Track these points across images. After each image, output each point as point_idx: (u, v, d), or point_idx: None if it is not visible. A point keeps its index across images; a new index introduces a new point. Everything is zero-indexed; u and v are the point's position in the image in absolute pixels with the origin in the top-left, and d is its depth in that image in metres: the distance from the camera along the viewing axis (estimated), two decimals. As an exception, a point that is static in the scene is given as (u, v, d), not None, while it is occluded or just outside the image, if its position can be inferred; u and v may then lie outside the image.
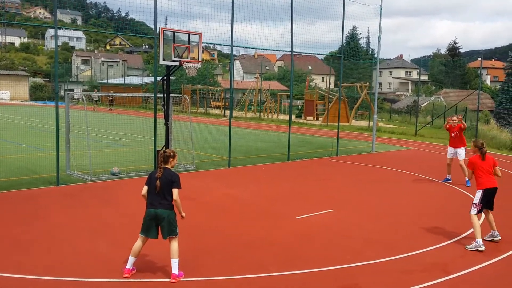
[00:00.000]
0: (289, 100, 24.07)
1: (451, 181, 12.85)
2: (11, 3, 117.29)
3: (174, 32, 11.96)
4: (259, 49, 16.70)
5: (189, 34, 12.19)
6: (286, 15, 15.54)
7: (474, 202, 7.54)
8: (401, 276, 6.18)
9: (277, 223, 8.51)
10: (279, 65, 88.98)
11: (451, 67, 71.60)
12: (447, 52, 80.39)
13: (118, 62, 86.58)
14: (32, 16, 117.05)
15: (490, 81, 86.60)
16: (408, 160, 17.48)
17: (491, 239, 7.70)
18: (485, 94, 54.53)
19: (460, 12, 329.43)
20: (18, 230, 7.61)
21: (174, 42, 11.88)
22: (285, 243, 7.40)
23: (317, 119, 37.10)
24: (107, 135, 21.56)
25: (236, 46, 14.48)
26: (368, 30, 79.09)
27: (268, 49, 18.75)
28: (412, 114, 40.73)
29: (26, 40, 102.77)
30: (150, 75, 64.90)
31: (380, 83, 78.37)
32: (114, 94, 26.92)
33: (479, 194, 7.56)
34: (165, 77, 12.47)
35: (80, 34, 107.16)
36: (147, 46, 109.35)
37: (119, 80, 63.90)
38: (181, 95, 19.05)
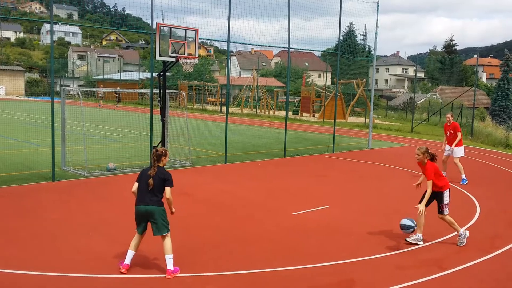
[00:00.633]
0: (285, 97, 24.09)
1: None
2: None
3: (170, 28, 11.92)
4: (256, 45, 16.68)
5: (185, 30, 12.16)
6: (283, 11, 15.52)
7: (445, 203, 7.43)
8: (397, 272, 6.21)
9: (273, 219, 8.52)
10: (276, 61, 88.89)
11: (447, 64, 71.75)
12: (443, 49, 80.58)
13: (115, 57, 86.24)
14: (28, 11, 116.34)
15: (486, 78, 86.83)
16: (404, 156, 17.52)
17: (415, 242, 7.33)
18: (481, 92, 54.71)
19: (456, 9, 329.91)
20: (13, 225, 7.59)
21: (170, 38, 11.84)
22: (281, 239, 7.41)
23: (314, 115, 37.11)
24: (103, 130, 21.50)
25: (233, 42, 14.46)
26: (365, 27, 78.98)
27: (265, 45, 18.72)
28: (408, 111, 40.82)
29: (21, 35, 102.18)
30: (147, 70, 64.66)
31: (376, 80, 78.52)
32: (111, 90, 26.82)
33: (447, 193, 7.47)
34: (161, 73, 12.44)
35: (76, 29, 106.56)
36: (143, 42, 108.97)
37: (116, 76, 63.68)
38: (177, 91, 19.01)
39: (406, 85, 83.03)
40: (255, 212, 9.02)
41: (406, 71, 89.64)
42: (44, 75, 67.10)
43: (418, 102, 46.36)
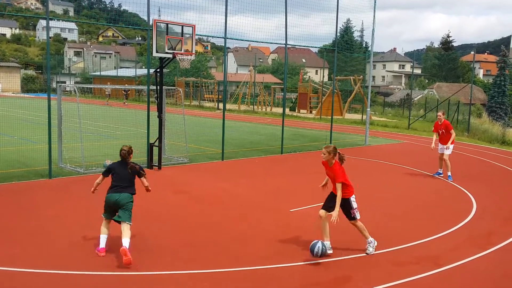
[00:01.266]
0: (282, 93, 24.05)
1: (442, 174, 12.79)
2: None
3: (167, 24, 11.88)
4: (253, 41, 16.66)
5: (182, 26, 12.12)
6: (280, 8, 15.50)
7: (354, 207, 6.73)
8: (393, 269, 6.23)
9: (270, 216, 8.53)
10: (273, 57, 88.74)
11: (444, 61, 71.83)
12: (440, 46, 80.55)
13: (111, 54, 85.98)
14: (23, 7, 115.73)
15: (483, 75, 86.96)
16: (401, 153, 17.56)
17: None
18: (477, 88, 54.82)
19: (453, 5, 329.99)
20: (9, 223, 7.57)
21: (167, 34, 11.81)
22: (278, 236, 7.42)
23: (311, 112, 37.12)
24: (100, 127, 21.45)
25: (230, 39, 14.43)
26: (362, 23, 79.20)
27: (262, 42, 18.71)
28: (405, 107, 40.88)
29: (17, 31, 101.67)
30: (143, 67, 64.54)
31: (373, 76, 78.50)
32: (109, 86, 26.78)
33: (353, 199, 6.80)
34: (158, 69, 12.40)
35: (72, 25, 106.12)
36: (140, 38, 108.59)
37: (112, 72, 63.49)
38: (174, 87, 18.98)
39: (403, 81, 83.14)
40: (252, 209, 9.02)
41: (403, 68, 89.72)
42: (40, 71, 66.86)
43: (415, 99, 46.43)
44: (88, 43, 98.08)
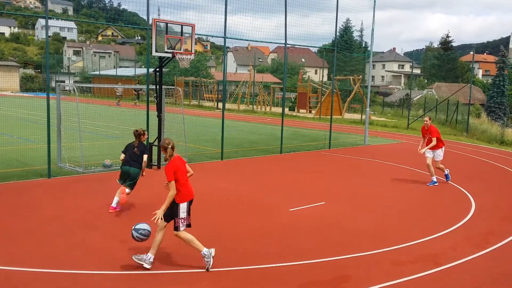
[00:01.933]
0: (282, 93, 24.06)
1: (437, 183, 11.78)
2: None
3: (167, 23, 11.88)
4: (253, 41, 16.66)
5: (182, 26, 12.12)
6: (280, 7, 15.51)
7: (181, 217, 5.94)
8: (393, 268, 6.24)
9: (269, 216, 8.54)
10: (272, 57, 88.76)
11: (443, 61, 71.84)
12: (439, 46, 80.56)
13: (110, 53, 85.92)
14: (22, 6, 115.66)
15: (482, 75, 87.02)
16: (400, 153, 17.58)
17: (141, 262, 5.89)
18: (476, 88, 54.86)
19: (453, 5, 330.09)
20: (9, 222, 7.57)
21: (167, 34, 11.81)
22: (278, 235, 7.43)
23: (310, 112, 37.13)
24: (99, 127, 21.44)
25: (230, 38, 14.43)
26: (362, 23, 79.17)
27: (261, 41, 18.70)
28: (404, 107, 40.91)
29: (16, 30, 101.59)
30: (143, 66, 64.52)
31: (373, 76, 78.54)
32: (108, 86, 26.76)
33: (184, 206, 5.98)
34: (157, 69, 12.40)
35: (72, 24, 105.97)
36: (139, 37, 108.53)
37: (111, 72, 63.46)
38: (174, 87, 18.96)
39: (402, 81, 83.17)
40: (251, 208, 9.03)
41: (403, 68, 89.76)
42: (39, 70, 66.76)
43: (414, 99, 46.45)
44: (88, 42, 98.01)
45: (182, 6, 13.25)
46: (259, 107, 40.88)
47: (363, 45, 68.59)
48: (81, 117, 12.32)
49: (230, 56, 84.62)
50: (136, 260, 5.88)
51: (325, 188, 11.10)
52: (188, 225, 6.08)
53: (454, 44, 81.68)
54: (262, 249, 6.77)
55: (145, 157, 8.64)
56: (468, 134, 25.32)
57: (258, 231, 7.64)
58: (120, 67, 73.38)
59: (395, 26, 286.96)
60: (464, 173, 13.65)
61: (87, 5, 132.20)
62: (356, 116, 34.61)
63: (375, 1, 19.11)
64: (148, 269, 5.80)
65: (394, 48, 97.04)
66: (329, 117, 19.68)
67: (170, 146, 6.19)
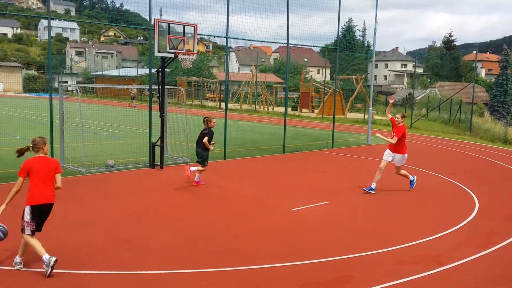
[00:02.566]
0: (284, 93, 24.06)
1: (374, 192, 10.28)
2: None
3: (169, 24, 11.89)
4: (255, 41, 16.68)
5: (184, 26, 12.13)
6: (282, 7, 15.49)
7: (25, 220, 5.77)
8: (395, 268, 6.23)
9: (272, 215, 8.53)
10: (274, 57, 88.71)
11: (446, 60, 71.74)
12: (442, 45, 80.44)
13: (113, 53, 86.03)
14: (25, 7, 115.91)
15: (485, 74, 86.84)
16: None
17: (18, 267, 5.73)
18: (479, 87, 54.74)
19: (456, 4, 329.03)
20: (11, 222, 7.57)
21: (169, 34, 11.82)
22: (280, 235, 7.43)
23: (313, 111, 37.11)
24: (102, 127, 21.48)
25: (232, 38, 14.43)
26: (364, 23, 78.89)
27: (263, 41, 18.69)
28: (407, 106, 40.82)
29: (18, 31, 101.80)
30: (145, 66, 64.55)
31: (375, 76, 78.48)
32: (110, 86, 26.81)
33: (28, 209, 5.80)
34: (160, 69, 12.41)
35: (74, 25, 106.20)
36: (141, 38, 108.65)
37: (114, 72, 63.56)
38: (176, 87, 18.97)
39: (405, 80, 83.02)
40: (254, 208, 9.03)
41: (405, 67, 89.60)
42: (42, 71, 66.92)
43: (417, 98, 46.35)
44: (90, 42, 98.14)
45: (184, 6, 13.28)
46: (261, 107, 40.88)
47: (366, 44, 68.59)
48: (83, 118, 12.34)
49: (232, 56, 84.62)
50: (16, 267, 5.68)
51: (328, 188, 11.08)
52: (33, 232, 5.72)
53: (457, 43, 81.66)
54: (264, 249, 6.77)
55: (205, 139, 10.34)
56: (471, 133, 25.26)
57: (260, 230, 7.64)
58: (123, 67, 73.48)
59: (397, 25, 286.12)
60: (467, 172, 13.62)
61: (90, 5, 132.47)
62: (359, 116, 34.58)
63: (377, 1, 19.08)
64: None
65: (396, 48, 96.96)
66: (332, 116, 19.66)
67: (32, 144, 6.12)
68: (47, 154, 6.06)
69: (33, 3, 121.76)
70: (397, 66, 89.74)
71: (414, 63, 41.07)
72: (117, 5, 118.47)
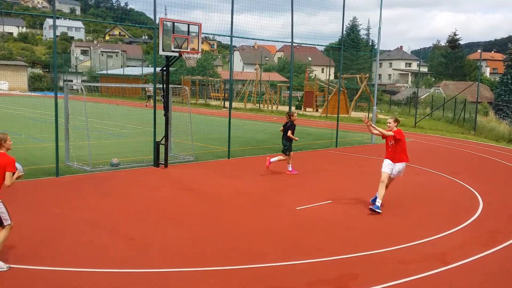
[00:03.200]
0: (288, 91, 24.06)
1: (380, 212, 8.70)
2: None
3: (173, 23, 11.91)
4: (259, 40, 16.69)
5: (188, 25, 12.15)
6: (287, 6, 15.48)
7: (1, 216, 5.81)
8: (399, 266, 6.23)
9: (276, 214, 8.55)
10: (279, 56, 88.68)
11: (450, 59, 71.46)
12: (447, 44, 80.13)
13: (118, 52, 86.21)
14: (30, 6, 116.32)
15: (490, 73, 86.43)
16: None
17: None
18: (484, 86, 54.52)
19: (460, 3, 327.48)
20: (17, 220, 7.62)
21: (173, 33, 11.84)
22: (284, 234, 7.44)
23: (317, 110, 37.07)
24: (106, 126, 21.55)
25: (236, 37, 14.44)
26: (369, 21, 78.74)
27: (268, 40, 18.73)
28: (411, 105, 40.72)
29: (24, 30, 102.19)
30: (150, 65, 64.71)
31: (380, 75, 78.21)
32: (114, 85, 26.88)
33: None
34: (164, 68, 12.45)
35: (79, 24, 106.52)
36: (146, 37, 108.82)
37: (119, 71, 63.72)
38: (180, 86, 19.00)
39: (409, 79, 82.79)
40: (258, 206, 9.05)
41: (410, 66, 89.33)
42: (47, 70, 67.17)
43: (422, 97, 46.24)
44: (95, 41, 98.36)
45: (189, 5, 13.34)
46: (265, 105, 40.87)
47: (370, 43, 68.43)
48: (88, 116, 12.40)
49: (236, 55, 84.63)
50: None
51: (332, 187, 11.09)
52: None
53: (461, 42, 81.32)
54: (269, 248, 6.78)
55: (289, 132, 11.74)
56: (475, 133, 25.18)
57: (264, 229, 7.66)
58: (128, 66, 73.68)
59: (402, 24, 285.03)
60: (471, 171, 13.58)
61: (95, 4, 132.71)
62: (363, 115, 34.50)
63: (382, -1, 19.03)
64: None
65: (401, 47, 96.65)
66: (336, 115, 19.64)
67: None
68: (9, 150, 6.03)
69: (38, 2, 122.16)
70: (402, 65, 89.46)
71: (418, 62, 40.95)
72: (122, 4, 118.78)
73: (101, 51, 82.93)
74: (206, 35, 13.99)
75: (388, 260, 6.47)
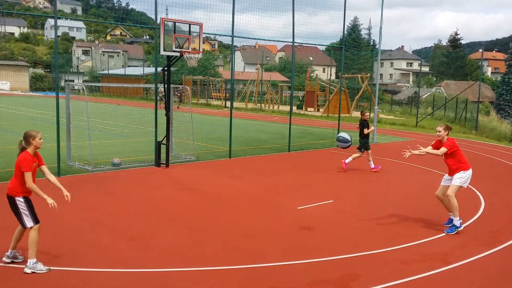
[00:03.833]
0: (290, 91, 24.04)
1: (461, 228, 7.67)
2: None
3: (175, 23, 11.92)
4: (260, 39, 16.68)
5: (190, 25, 12.15)
6: (288, 6, 15.47)
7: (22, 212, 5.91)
8: (401, 266, 6.23)
9: (277, 214, 8.54)
10: (280, 56, 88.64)
11: (452, 59, 71.42)
12: (448, 44, 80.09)
13: (119, 52, 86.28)
14: (32, 6, 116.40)
15: (491, 72, 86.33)
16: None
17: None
18: (485, 86, 54.47)
19: (462, 3, 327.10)
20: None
21: (175, 33, 11.85)
22: (286, 234, 7.44)
23: (318, 110, 37.05)
24: (108, 126, 21.57)
25: (237, 37, 14.44)
26: (370, 21, 78.78)
27: (269, 40, 18.68)
28: (413, 105, 40.67)
29: (25, 30, 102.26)
30: (151, 65, 64.72)
31: (381, 74, 78.19)
32: (116, 85, 26.91)
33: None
34: (165, 68, 12.45)
35: (80, 24, 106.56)
36: (147, 37, 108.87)
37: (120, 71, 63.75)
38: (182, 85, 19.00)
39: (411, 79, 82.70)
40: (259, 206, 9.04)
41: (411, 66, 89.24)
42: (48, 70, 67.18)
43: (423, 97, 46.17)
44: (96, 42, 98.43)
45: (190, 5, 13.33)
46: (267, 105, 40.86)
47: (371, 43, 68.35)
48: (90, 116, 12.41)
49: (237, 55, 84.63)
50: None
51: (333, 187, 11.09)
52: None
53: (463, 41, 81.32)
54: (270, 248, 6.78)
55: (365, 130, 12.94)
56: (477, 132, 25.15)
57: (265, 229, 7.65)
58: (129, 66, 73.69)
59: (403, 24, 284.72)
60: (473, 171, 13.53)
61: (96, 5, 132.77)
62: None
63: (383, -1, 19.01)
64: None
65: (402, 46, 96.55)
66: (337, 115, 19.62)
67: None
68: (39, 148, 6.20)
69: (40, 2, 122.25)
70: (403, 64, 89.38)
71: (419, 62, 40.90)
72: (123, 4, 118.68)
73: (103, 51, 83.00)
74: (207, 35, 14.01)
75: (389, 260, 6.46)
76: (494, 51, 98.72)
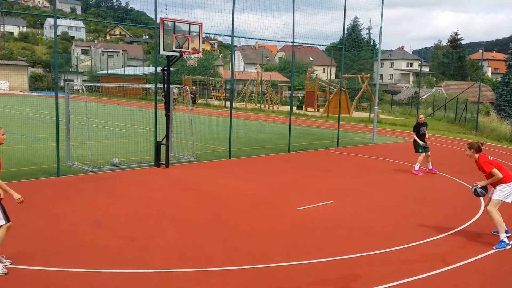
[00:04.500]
0: (290, 91, 24.04)
1: (510, 246, 7.12)
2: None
3: (174, 22, 11.90)
4: (260, 39, 16.66)
5: (189, 24, 12.14)
6: (288, 6, 15.46)
7: None
8: (401, 267, 6.21)
9: (277, 214, 8.53)
10: (280, 56, 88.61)
11: (452, 59, 71.38)
12: (448, 44, 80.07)
13: (118, 52, 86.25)
14: (31, 5, 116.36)
15: (491, 73, 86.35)
16: (409, 151, 17.45)
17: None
18: (486, 86, 54.46)
19: (462, 3, 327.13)
20: (18, 220, 7.62)
21: (174, 32, 11.83)
22: (286, 234, 7.43)
23: (318, 110, 37.04)
24: (107, 126, 21.55)
25: (237, 37, 14.42)
26: (370, 21, 78.69)
27: (269, 40, 18.67)
28: (413, 105, 40.66)
29: (25, 29, 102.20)
30: (151, 65, 64.70)
31: (381, 75, 78.18)
32: (115, 85, 26.86)
33: None
34: (165, 68, 12.43)
35: (80, 23, 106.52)
36: (147, 36, 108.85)
37: (120, 71, 63.72)
38: (181, 85, 18.98)
39: (411, 79, 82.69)
40: (259, 207, 9.03)
41: (411, 66, 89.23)
42: (47, 70, 67.15)
43: (423, 97, 46.15)
44: (96, 41, 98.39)
45: (189, 5, 13.28)
46: (266, 105, 40.85)
47: (371, 43, 68.31)
48: (89, 116, 12.39)
49: (237, 55, 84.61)
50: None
51: (333, 187, 11.07)
52: None
53: (463, 42, 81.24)
54: (270, 248, 6.77)
55: (426, 133, 13.33)
56: (477, 133, 25.14)
57: (266, 229, 7.64)
58: (128, 66, 73.64)
59: (403, 24, 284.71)
60: (473, 171, 13.51)
61: (95, 4, 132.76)
62: (364, 115, 34.47)
63: (383, -1, 19.00)
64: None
65: (402, 46, 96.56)
66: (337, 115, 19.61)
67: None
68: (1, 144, 5.93)
69: (39, 1, 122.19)
70: (403, 65, 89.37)
71: (420, 62, 40.89)
72: (123, 4, 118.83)
73: (102, 51, 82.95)
74: (207, 34, 14.00)
75: (390, 260, 6.45)
76: (494, 52, 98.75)
